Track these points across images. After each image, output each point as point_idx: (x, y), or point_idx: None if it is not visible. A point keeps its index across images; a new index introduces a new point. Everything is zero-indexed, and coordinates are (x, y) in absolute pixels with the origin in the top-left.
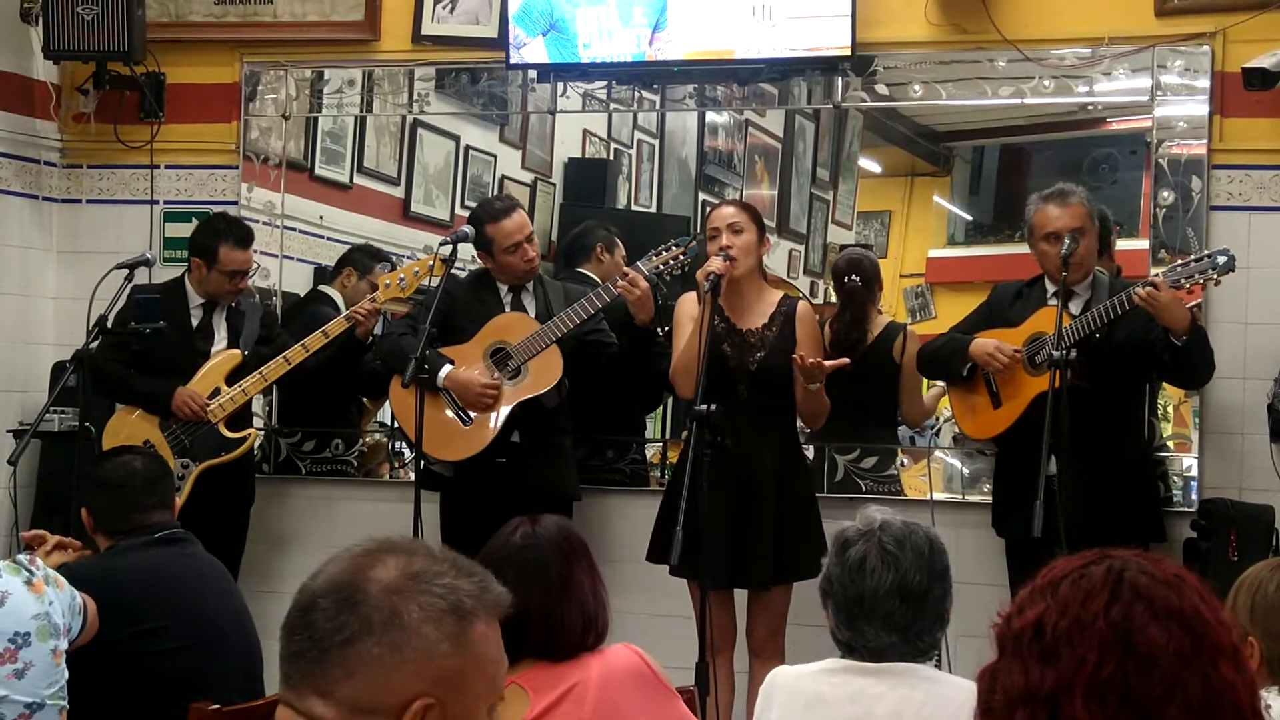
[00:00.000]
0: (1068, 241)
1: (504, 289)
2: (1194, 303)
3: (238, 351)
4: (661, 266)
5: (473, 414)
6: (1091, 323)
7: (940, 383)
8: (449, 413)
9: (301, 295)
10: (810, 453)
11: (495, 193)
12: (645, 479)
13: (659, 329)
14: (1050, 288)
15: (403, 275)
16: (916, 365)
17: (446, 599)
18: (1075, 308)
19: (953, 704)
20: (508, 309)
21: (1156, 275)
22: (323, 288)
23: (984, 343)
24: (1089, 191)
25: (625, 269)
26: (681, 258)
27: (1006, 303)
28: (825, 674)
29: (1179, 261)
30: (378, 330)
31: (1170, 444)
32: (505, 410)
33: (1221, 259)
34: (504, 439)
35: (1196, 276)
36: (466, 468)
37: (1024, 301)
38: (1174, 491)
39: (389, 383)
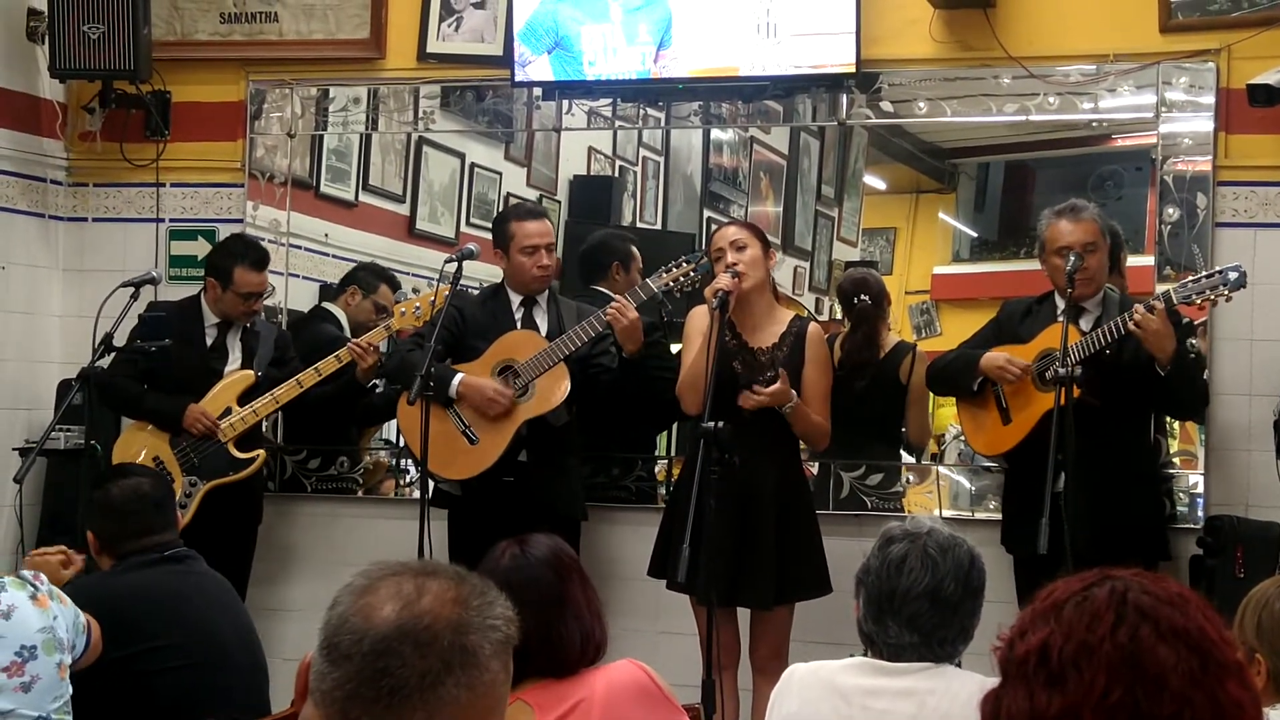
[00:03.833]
0: (1073, 259)
1: (516, 302)
2: (1200, 319)
3: (251, 372)
4: (671, 283)
5: (478, 433)
6: (1101, 339)
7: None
8: (456, 431)
9: (304, 312)
10: (815, 470)
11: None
12: (652, 496)
13: (656, 343)
14: (1060, 303)
15: (418, 304)
16: (926, 382)
17: (503, 629)
18: (1086, 324)
19: (965, 695)
20: (519, 325)
21: (1166, 290)
22: (326, 304)
23: (995, 356)
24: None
25: (647, 283)
26: (692, 274)
27: (1016, 319)
28: (844, 670)
29: (1189, 277)
30: (382, 345)
31: (1176, 460)
32: (513, 430)
33: (1232, 275)
34: (511, 458)
35: (1207, 293)
36: (474, 486)
37: (1034, 318)
38: (1180, 508)
39: (383, 412)
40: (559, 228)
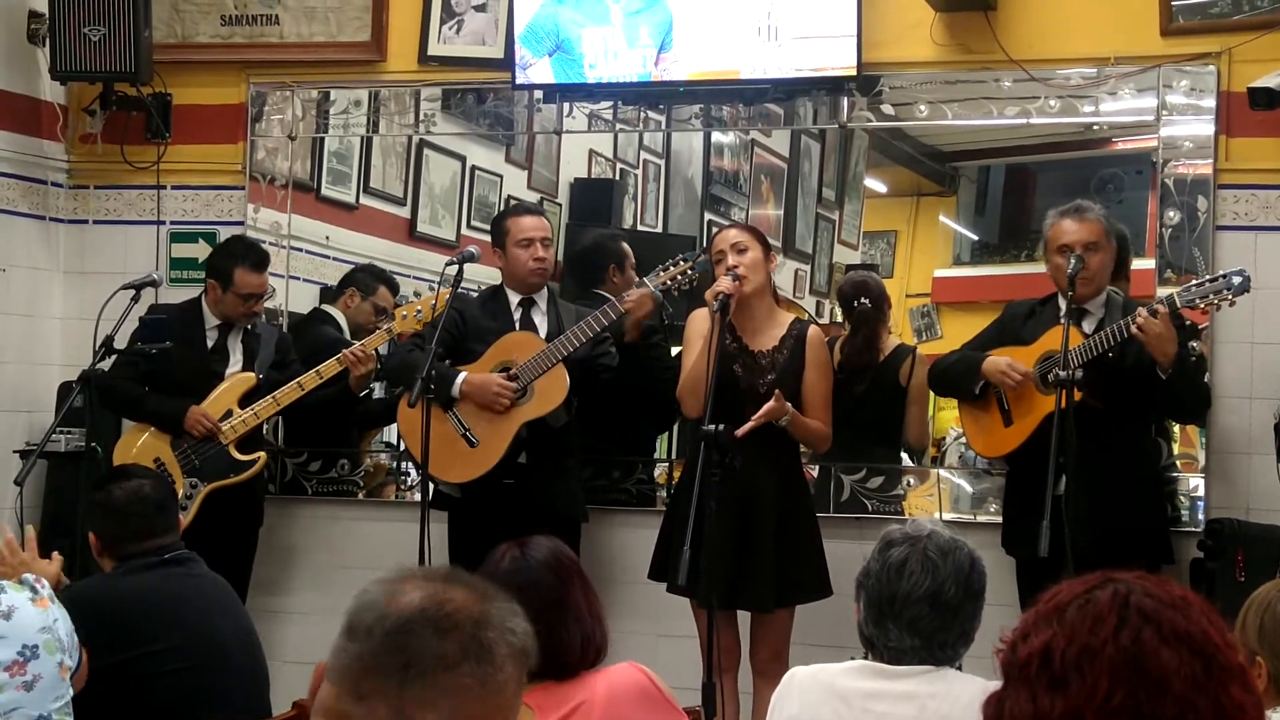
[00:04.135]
0: (1073, 261)
1: (514, 302)
2: (1203, 324)
3: (252, 375)
4: (669, 282)
5: (478, 435)
6: (1103, 342)
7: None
8: (455, 434)
9: (304, 315)
10: (816, 473)
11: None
12: (652, 499)
13: (656, 345)
14: (1064, 305)
15: (419, 307)
16: (929, 382)
17: (521, 640)
18: (1089, 326)
19: (966, 699)
20: (518, 326)
21: (1170, 294)
22: (325, 307)
23: (997, 360)
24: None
25: (643, 282)
26: (689, 272)
27: (1019, 321)
28: (845, 674)
29: (1193, 281)
30: (383, 349)
31: (1177, 464)
32: (512, 432)
33: (1236, 280)
34: (511, 460)
35: (1211, 297)
36: (474, 489)
37: (1036, 319)
38: (1181, 512)
39: (381, 416)
40: (559, 230)
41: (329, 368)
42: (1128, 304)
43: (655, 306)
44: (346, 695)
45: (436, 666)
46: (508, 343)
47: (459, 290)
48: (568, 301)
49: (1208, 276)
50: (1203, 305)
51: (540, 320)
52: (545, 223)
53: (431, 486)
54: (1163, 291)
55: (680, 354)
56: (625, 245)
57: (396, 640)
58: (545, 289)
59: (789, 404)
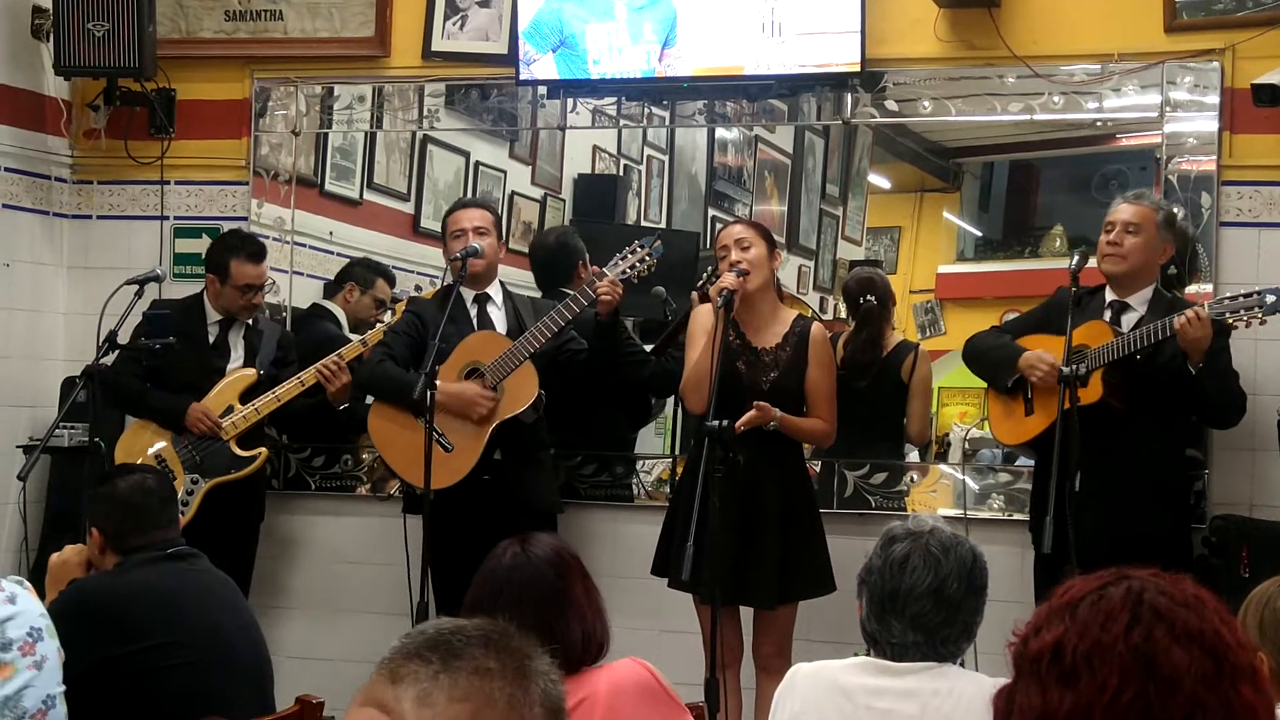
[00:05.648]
0: (1076, 258)
1: (469, 299)
2: None
3: (253, 371)
4: (628, 270)
5: (453, 440)
6: (1135, 342)
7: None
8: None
9: (303, 310)
10: (819, 469)
11: (506, 209)
12: (651, 495)
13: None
14: (1108, 297)
15: None
16: (963, 355)
17: (558, 696)
18: (1129, 322)
19: (968, 696)
20: (475, 324)
21: (1201, 308)
22: (323, 302)
23: (1029, 355)
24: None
25: (602, 272)
26: (648, 259)
27: (1063, 308)
28: (847, 669)
29: (1226, 295)
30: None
31: (1206, 461)
32: (487, 434)
33: (1270, 299)
34: (486, 457)
35: (1243, 314)
36: (450, 486)
37: (1080, 310)
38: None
39: (363, 424)
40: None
41: (310, 377)
42: (1174, 303)
43: (618, 297)
44: (383, 680)
45: (474, 670)
46: (472, 344)
47: (416, 295)
48: (524, 295)
49: (1242, 292)
50: (1231, 319)
51: (497, 315)
52: (481, 213)
53: (409, 489)
54: (1194, 291)
55: (654, 348)
56: (580, 239)
57: (444, 638)
58: (499, 283)
59: (775, 409)
